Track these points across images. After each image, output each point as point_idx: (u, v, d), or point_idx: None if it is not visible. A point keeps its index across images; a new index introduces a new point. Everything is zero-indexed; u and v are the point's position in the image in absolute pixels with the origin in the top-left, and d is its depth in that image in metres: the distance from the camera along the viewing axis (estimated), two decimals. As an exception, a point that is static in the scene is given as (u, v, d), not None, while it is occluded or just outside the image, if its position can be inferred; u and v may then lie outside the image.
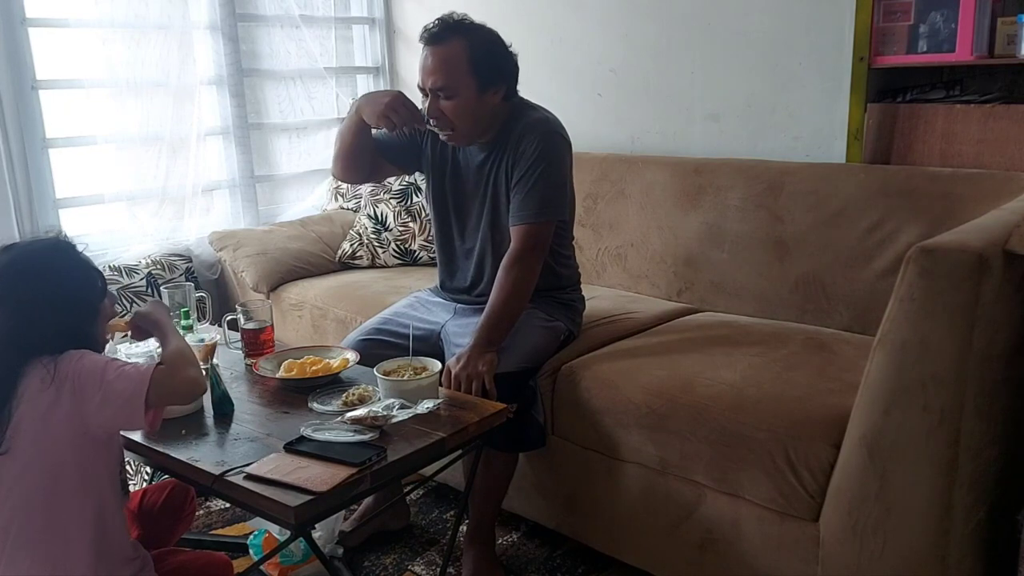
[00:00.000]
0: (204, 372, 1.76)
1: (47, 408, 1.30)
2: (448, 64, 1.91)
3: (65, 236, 1.47)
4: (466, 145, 2.06)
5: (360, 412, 1.59)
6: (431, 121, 1.99)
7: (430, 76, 1.93)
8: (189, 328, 2.06)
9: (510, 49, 2.00)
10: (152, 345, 1.98)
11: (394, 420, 1.58)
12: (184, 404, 1.53)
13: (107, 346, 2.06)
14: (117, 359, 1.40)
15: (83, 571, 1.33)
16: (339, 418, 1.60)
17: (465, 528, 2.09)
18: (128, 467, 2.43)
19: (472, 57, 1.92)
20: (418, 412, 1.60)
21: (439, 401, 1.66)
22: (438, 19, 1.96)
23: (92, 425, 1.33)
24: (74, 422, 1.31)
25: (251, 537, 2.06)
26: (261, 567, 1.96)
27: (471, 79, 1.92)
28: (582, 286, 2.28)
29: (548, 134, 1.99)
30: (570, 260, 2.21)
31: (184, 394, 1.44)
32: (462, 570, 2.01)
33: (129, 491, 2.24)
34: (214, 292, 2.95)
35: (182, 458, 1.53)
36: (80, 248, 1.46)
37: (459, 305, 2.18)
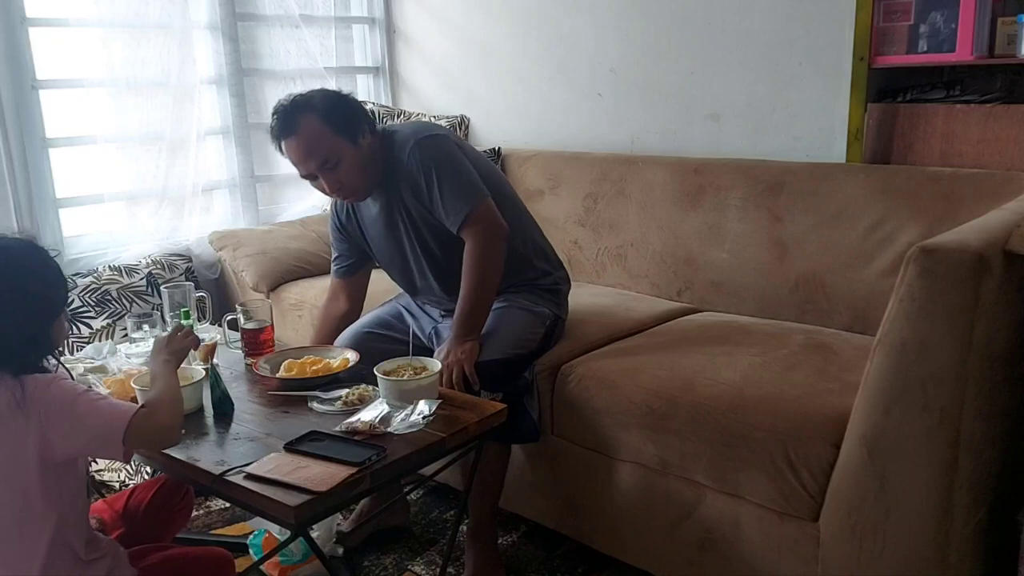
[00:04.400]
0: (204, 371, 1.77)
1: (18, 436, 1.29)
2: (314, 143, 1.92)
3: (37, 240, 1.44)
4: (366, 197, 2.06)
5: (357, 422, 1.59)
6: (335, 194, 2.00)
7: (309, 160, 1.93)
8: (188, 327, 2.06)
9: (343, 93, 2.02)
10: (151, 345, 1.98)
11: (393, 431, 1.58)
12: (157, 448, 1.52)
13: (107, 345, 2.06)
14: (89, 389, 1.37)
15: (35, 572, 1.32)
16: (337, 428, 1.59)
17: (466, 527, 2.09)
18: (128, 467, 2.43)
19: (329, 122, 1.92)
20: (414, 423, 1.60)
21: (437, 402, 1.66)
22: (275, 112, 1.96)
23: (58, 452, 1.32)
24: (40, 449, 1.30)
25: (251, 537, 2.06)
26: (261, 567, 1.96)
27: (339, 140, 1.93)
28: (582, 285, 2.28)
29: (421, 145, 1.98)
30: (535, 245, 2.17)
31: (157, 442, 1.44)
32: (464, 569, 2.01)
33: (108, 490, 2.24)
34: (214, 292, 2.95)
35: (182, 458, 1.53)
36: (53, 254, 1.43)
37: (442, 310, 2.18)
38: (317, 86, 3.36)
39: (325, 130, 1.92)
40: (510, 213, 2.07)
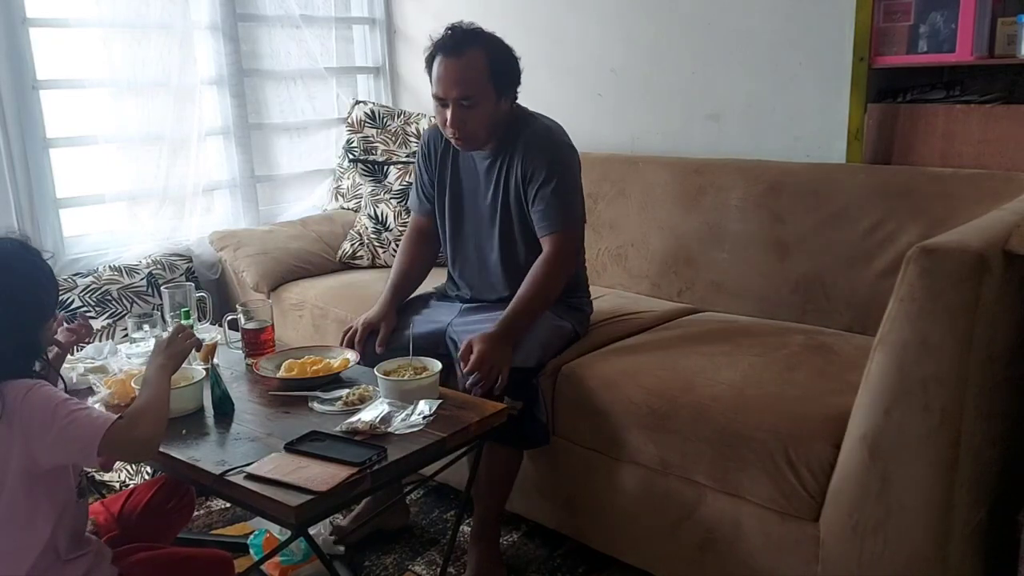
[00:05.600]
0: (204, 371, 1.77)
1: (2, 443, 1.28)
2: (469, 74, 1.94)
3: (29, 241, 1.43)
4: (475, 150, 2.08)
5: (357, 422, 1.59)
6: (450, 130, 1.99)
7: (454, 87, 1.94)
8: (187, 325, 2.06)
9: (514, 51, 2.04)
10: (152, 345, 1.98)
11: (394, 431, 1.58)
12: (134, 459, 1.51)
13: (107, 345, 2.06)
14: (70, 398, 1.34)
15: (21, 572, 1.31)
16: (337, 428, 1.59)
17: (468, 527, 2.09)
18: (128, 467, 2.43)
19: (491, 67, 1.95)
20: (414, 423, 1.60)
21: (438, 402, 1.66)
22: (451, 29, 1.99)
23: (43, 463, 1.31)
24: (24, 458, 1.29)
25: (251, 537, 2.06)
26: (261, 567, 1.96)
27: (490, 88, 1.96)
28: (583, 286, 2.29)
29: (557, 145, 2.04)
30: (582, 267, 2.24)
31: (132, 455, 1.44)
32: (466, 568, 2.01)
33: (109, 490, 2.24)
34: (215, 292, 2.94)
35: (182, 458, 1.53)
36: (46, 256, 1.42)
37: (464, 305, 2.19)
38: (318, 86, 3.39)
39: (484, 71, 1.94)
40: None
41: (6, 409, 1.28)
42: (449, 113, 1.97)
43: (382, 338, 2.07)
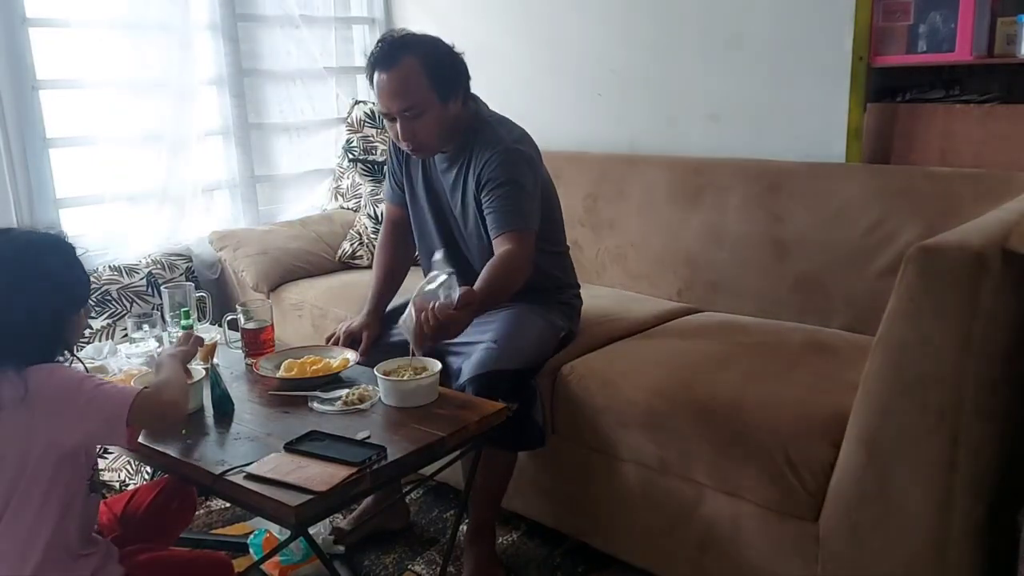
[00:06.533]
0: (204, 371, 1.77)
1: (23, 430, 1.30)
2: (407, 84, 1.89)
3: (66, 237, 1.46)
4: (432, 155, 2.05)
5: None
6: (404, 143, 1.97)
7: (394, 100, 1.91)
8: (189, 328, 2.06)
9: (456, 51, 1.98)
10: (152, 345, 1.99)
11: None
12: (163, 426, 1.53)
13: (107, 345, 2.06)
14: (93, 375, 1.38)
15: (28, 569, 1.32)
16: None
17: (465, 527, 2.09)
18: (128, 466, 2.43)
19: (429, 72, 1.90)
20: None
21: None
22: (381, 40, 1.95)
23: (66, 443, 1.32)
24: (47, 440, 1.30)
25: (251, 537, 2.06)
26: (261, 567, 1.96)
27: (432, 94, 1.91)
28: (583, 286, 2.29)
29: (505, 150, 1.95)
30: (566, 262, 2.23)
31: (161, 418, 1.44)
32: (463, 569, 2.02)
33: (109, 490, 2.23)
34: (214, 292, 2.94)
35: (182, 458, 1.53)
36: (79, 252, 1.45)
37: None
38: (317, 86, 3.39)
39: (421, 78, 1.89)
40: (557, 236, 2.17)
41: (29, 392, 1.30)
42: (398, 127, 1.94)
43: (364, 348, 2.04)
